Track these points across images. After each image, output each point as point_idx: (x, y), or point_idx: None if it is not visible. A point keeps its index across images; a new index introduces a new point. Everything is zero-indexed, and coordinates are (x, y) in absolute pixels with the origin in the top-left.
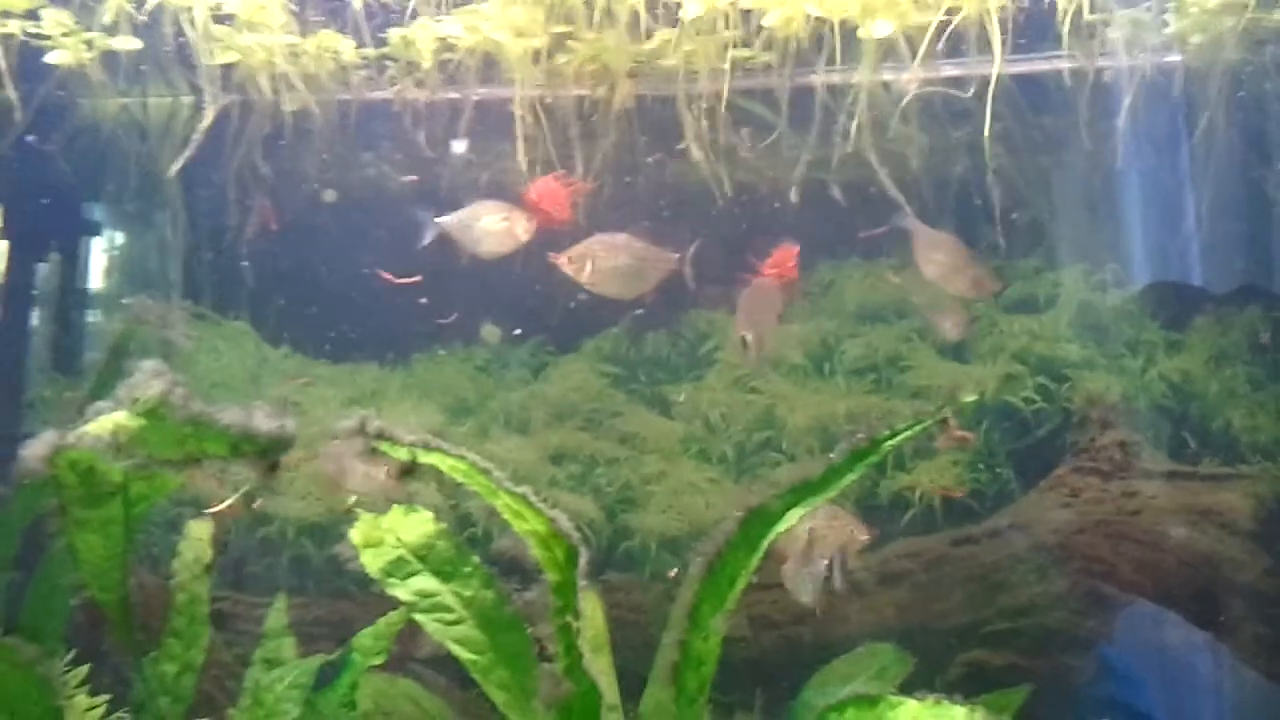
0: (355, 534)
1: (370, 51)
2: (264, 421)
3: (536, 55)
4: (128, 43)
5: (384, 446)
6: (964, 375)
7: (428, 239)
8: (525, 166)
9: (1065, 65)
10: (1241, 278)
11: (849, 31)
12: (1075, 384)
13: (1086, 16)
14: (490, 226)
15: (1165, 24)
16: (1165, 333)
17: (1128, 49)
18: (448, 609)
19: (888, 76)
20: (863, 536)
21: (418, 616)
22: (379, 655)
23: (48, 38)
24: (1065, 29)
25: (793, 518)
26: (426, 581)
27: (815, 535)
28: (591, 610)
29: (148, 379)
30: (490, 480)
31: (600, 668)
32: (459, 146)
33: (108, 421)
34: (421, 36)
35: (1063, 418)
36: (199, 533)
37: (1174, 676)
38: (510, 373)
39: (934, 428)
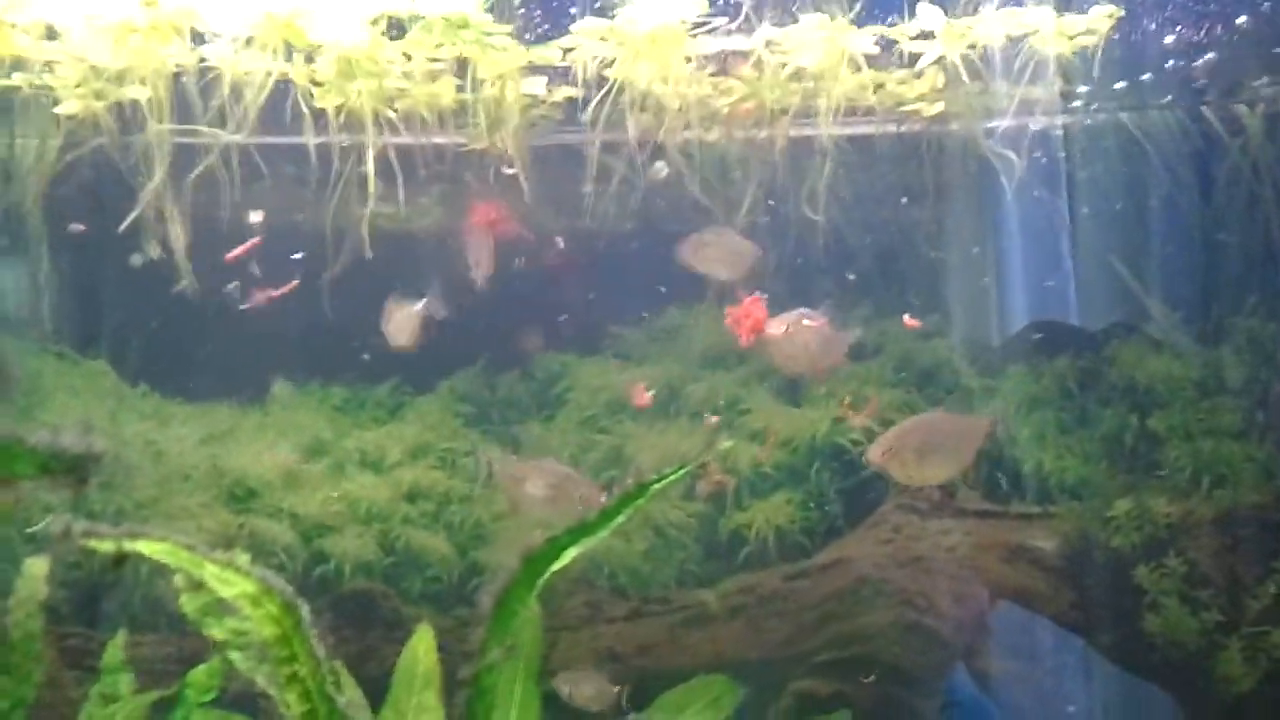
0: (178, 579)
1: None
2: (72, 440)
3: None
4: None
5: (90, 542)
6: (798, 418)
7: None
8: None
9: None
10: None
11: None
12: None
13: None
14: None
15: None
16: (981, 379)
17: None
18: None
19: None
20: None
21: (231, 654)
22: (211, 691)
23: None
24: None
25: (568, 557)
26: (240, 621)
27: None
28: (424, 646)
29: None
30: (194, 555)
31: (427, 703)
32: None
33: None
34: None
35: None
36: (36, 570)
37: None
38: (367, 412)
39: (696, 473)
